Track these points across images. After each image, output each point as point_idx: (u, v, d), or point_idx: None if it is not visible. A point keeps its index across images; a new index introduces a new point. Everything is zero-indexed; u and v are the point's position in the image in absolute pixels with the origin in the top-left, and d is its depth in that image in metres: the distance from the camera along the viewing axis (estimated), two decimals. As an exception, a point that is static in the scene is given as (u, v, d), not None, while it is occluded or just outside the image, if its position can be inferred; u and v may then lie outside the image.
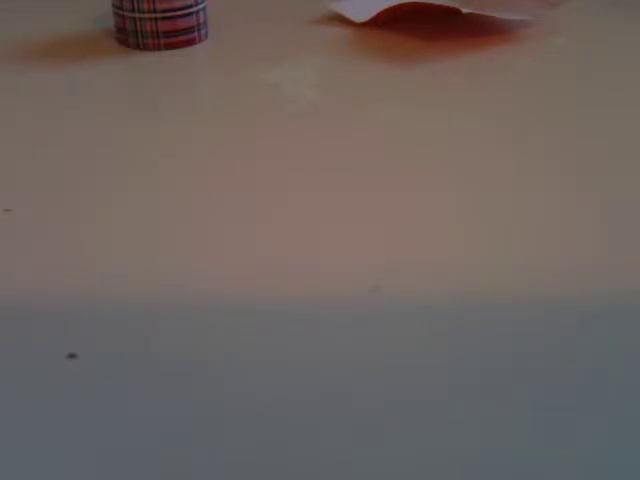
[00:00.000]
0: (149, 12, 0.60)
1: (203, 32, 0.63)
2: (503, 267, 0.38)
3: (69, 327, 0.35)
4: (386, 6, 0.64)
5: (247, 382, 0.32)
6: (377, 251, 0.39)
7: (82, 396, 0.32)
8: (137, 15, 0.60)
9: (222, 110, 0.53)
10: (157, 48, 0.62)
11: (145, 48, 0.62)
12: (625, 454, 0.29)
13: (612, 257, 0.39)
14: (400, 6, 0.64)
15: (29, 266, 0.39)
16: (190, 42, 0.62)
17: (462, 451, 0.29)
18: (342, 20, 0.67)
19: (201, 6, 0.62)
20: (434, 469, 0.29)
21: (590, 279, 0.37)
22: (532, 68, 0.58)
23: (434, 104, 0.53)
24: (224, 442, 0.30)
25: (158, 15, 0.60)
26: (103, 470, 0.29)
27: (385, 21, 0.67)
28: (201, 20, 0.63)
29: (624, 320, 0.35)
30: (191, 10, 0.61)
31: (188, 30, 0.62)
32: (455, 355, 0.33)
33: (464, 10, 0.60)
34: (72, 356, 0.33)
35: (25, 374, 0.33)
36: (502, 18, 0.66)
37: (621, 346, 0.34)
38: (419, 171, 0.46)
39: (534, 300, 0.36)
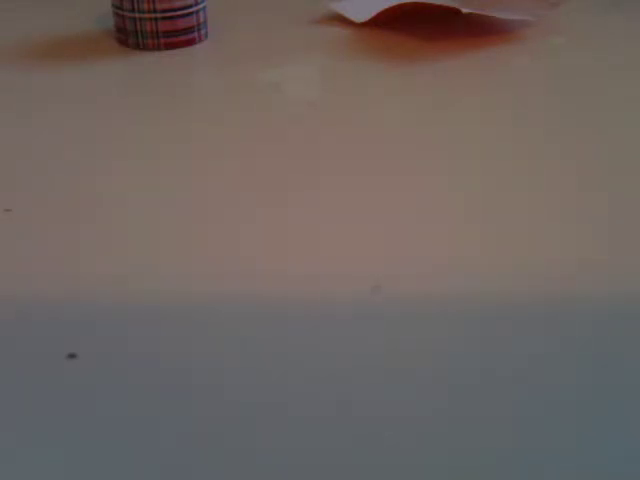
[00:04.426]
0: (149, 12, 0.60)
1: (203, 32, 0.63)
2: (504, 267, 0.38)
3: (69, 327, 0.35)
4: (386, 6, 0.64)
5: (247, 383, 0.32)
6: (377, 251, 0.39)
7: (82, 396, 0.32)
8: (137, 15, 0.60)
9: (222, 110, 0.53)
10: (157, 48, 0.62)
11: (145, 48, 0.62)
12: (625, 455, 0.29)
13: (613, 257, 0.39)
14: (400, 6, 0.64)
15: (29, 266, 0.39)
16: (190, 42, 0.62)
17: (462, 451, 0.29)
18: (342, 20, 0.67)
19: (201, 6, 0.62)
20: (434, 469, 0.29)
21: (591, 279, 0.37)
22: (532, 68, 0.58)
23: (434, 104, 0.53)
24: (224, 443, 0.30)
25: (158, 15, 0.60)
26: (103, 470, 0.29)
27: (385, 21, 0.67)
28: (201, 20, 0.63)
29: (625, 320, 0.35)
30: (191, 10, 0.61)
31: (188, 30, 0.62)
32: (455, 355, 0.33)
33: (464, 10, 0.60)
34: (72, 356, 0.33)
35: (25, 374, 0.33)
36: (502, 18, 0.66)
37: (621, 346, 0.34)
38: (419, 171, 0.46)
39: (534, 300, 0.36)
